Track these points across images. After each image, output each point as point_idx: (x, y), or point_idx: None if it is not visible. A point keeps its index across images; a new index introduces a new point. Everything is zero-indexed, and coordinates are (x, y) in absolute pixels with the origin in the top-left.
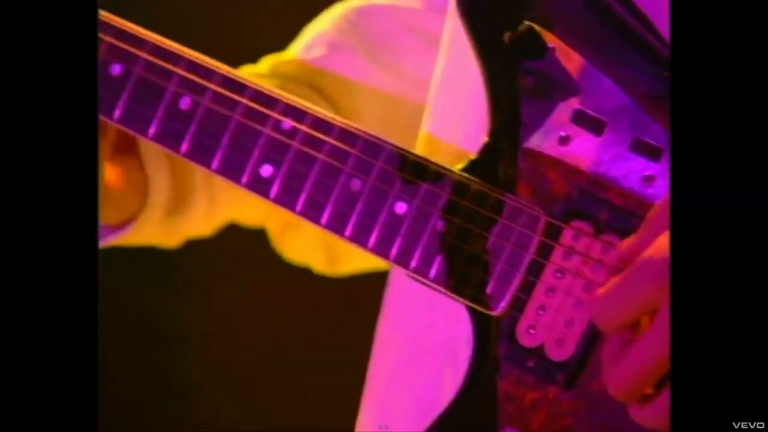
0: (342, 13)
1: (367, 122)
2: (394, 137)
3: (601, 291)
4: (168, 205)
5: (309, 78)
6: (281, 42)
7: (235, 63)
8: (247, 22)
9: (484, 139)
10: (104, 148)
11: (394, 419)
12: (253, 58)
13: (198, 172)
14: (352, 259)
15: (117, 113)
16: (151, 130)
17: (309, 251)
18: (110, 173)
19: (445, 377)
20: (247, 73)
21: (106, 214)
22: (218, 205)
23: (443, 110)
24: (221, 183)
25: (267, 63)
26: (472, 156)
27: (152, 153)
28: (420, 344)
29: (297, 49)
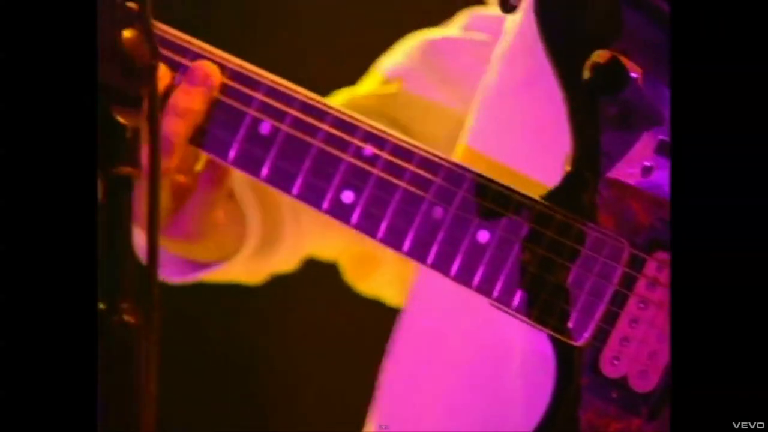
0: (416, 45)
1: (442, 150)
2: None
3: None
4: (259, 245)
5: (384, 110)
6: (354, 75)
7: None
8: (318, 56)
9: (566, 168)
10: (219, 190)
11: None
12: (324, 92)
13: (286, 210)
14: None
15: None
16: (231, 154)
17: (383, 285)
18: (216, 216)
19: (465, 390)
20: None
21: (205, 253)
22: (303, 241)
23: (487, 125)
24: (307, 220)
25: (342, 97)
26: (554, 185)
27: (245, 194)
28: (438, 354)
29: (373, 84)
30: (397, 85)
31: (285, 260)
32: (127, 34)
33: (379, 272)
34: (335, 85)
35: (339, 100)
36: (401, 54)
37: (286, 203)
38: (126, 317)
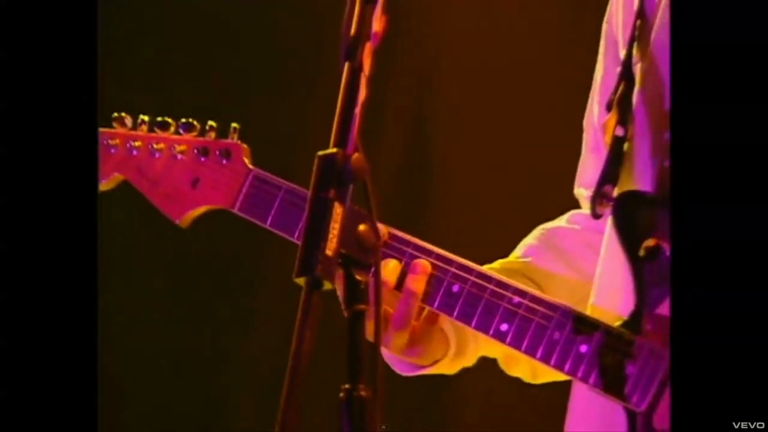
0: (541, 231)
1: (561, 298)
2: (579, 307)
3: None
4: (454, 353)
5: (524, 271)
6: (507, 249)
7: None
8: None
9: (632, 308)
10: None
11: None
12: (491, 260)
13: (470, 333)
14: (547, 375)
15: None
16: (435, 304)
17: (521, 370)
18: (427, 336)
19: None
20: (487, 267)
21: (423, 360)
22: (479, 349)
23: (604, 290)
24: (483, 337)
25: (498, 264)
26: (625, 318)
27: (447, 325)
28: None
29: (516, 255)
30: (530, 256)
31: (469, 360)
32: (361, 227)
33: (516, 363)
34: (495, 257)
35: (497, 264)
36: (533, 236)
37: (470, 330)
38: (362, 392)
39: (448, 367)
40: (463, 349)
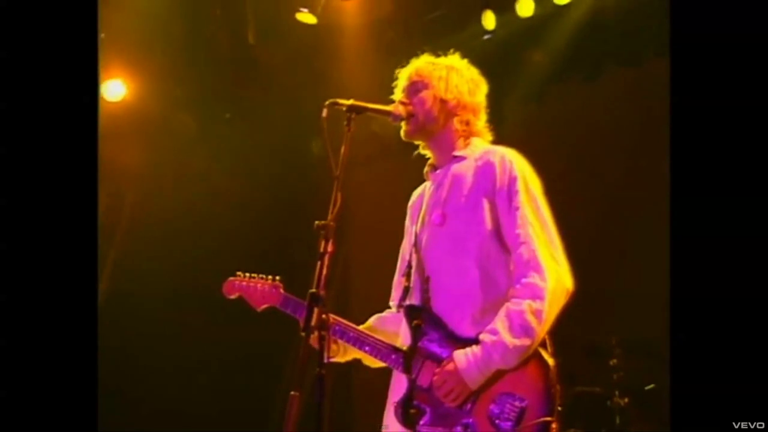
0: (377, 315)
1: (381, 337)
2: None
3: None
4: (342, 353)
5: (369, 328)
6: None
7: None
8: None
9: (410, 344)
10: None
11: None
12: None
13: (348, 347)
14: (378, 364)
15: (353, 343)
16: (346, 339)
17: (369, 362)
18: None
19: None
20: (362, 326)
21: (332, 354)
22: (351, 354)
23: (401, 338)
24: (351, 349)
25: (364, 325)
26: (408, 347)
27: (341, 344)
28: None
29: (368, 322)
30: (370, 323)
31: (348, 357)
32: (323, 315)
33: (367, 360)
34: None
35: (367, 323)
36: (373, 317)
37: (349, 346)
38: (323, 371)
39: (341, 358)
40: (345, 352)
